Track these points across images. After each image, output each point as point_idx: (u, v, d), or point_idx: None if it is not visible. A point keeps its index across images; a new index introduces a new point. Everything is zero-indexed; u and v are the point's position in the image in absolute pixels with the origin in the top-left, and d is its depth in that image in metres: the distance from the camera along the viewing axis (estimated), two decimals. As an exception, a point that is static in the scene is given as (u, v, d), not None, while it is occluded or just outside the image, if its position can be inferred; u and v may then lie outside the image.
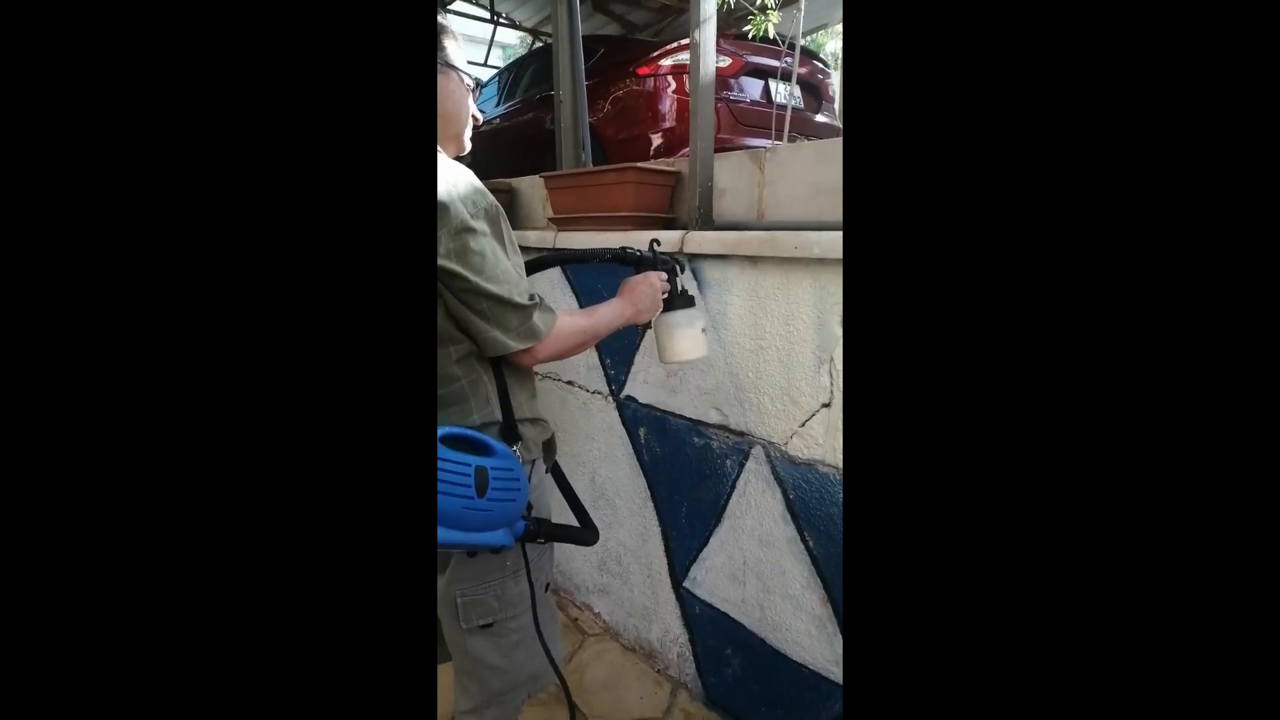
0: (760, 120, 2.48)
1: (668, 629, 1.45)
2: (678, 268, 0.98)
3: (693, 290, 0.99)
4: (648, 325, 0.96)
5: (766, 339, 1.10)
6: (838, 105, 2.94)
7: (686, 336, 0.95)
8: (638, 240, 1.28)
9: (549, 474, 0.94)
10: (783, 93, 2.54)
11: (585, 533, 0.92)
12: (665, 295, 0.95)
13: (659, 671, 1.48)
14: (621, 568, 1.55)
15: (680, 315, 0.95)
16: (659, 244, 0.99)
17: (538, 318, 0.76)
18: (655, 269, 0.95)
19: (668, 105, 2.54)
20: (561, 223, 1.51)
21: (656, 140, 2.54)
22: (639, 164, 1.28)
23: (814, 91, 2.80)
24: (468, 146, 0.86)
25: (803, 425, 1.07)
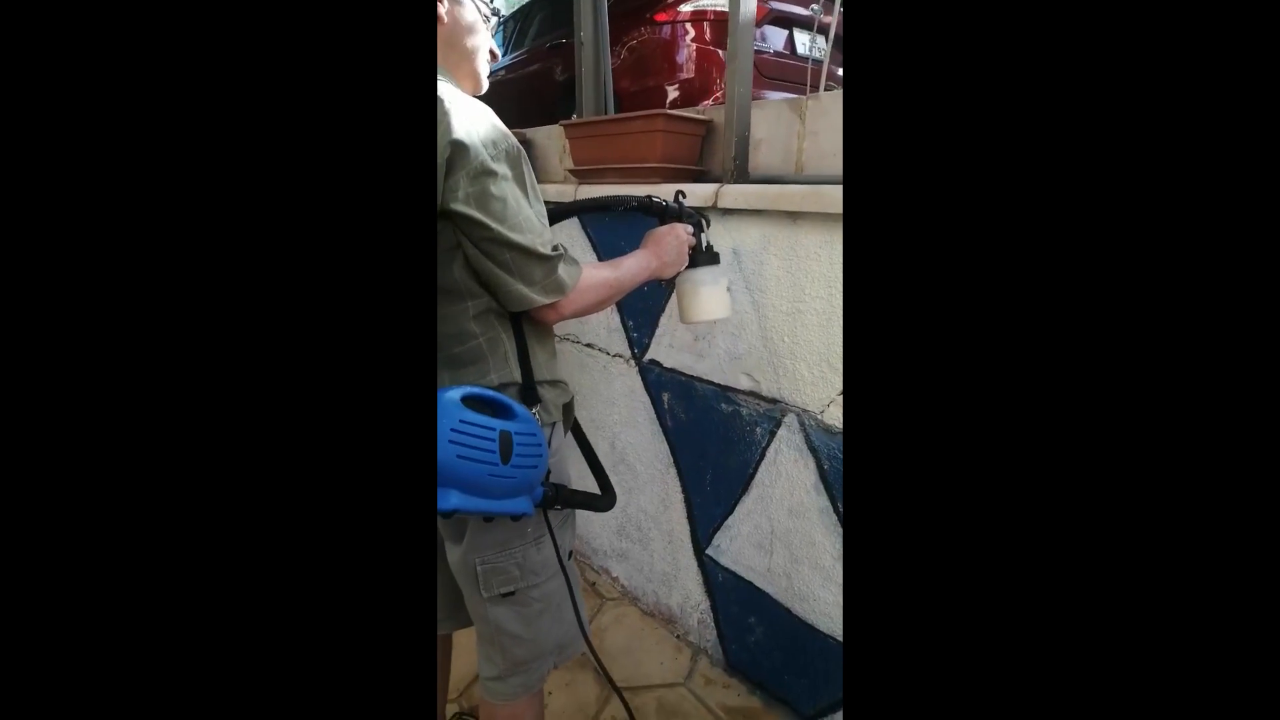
0: (782, 73, 2.35)
1: (689, 595, 1.43)
2: (704, 222, 0.92)
3: (718, 246, 0.93)
4: (672, 282, 0.91)
5: (806, 301, 1.04)
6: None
7: (711, 295, 0.90)
8: (665, 193, 1.21)
9: (568, 436, 0.90)
10: (810, 44, 2.40)
11: (601, 499, 0.90)
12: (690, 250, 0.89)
13: (679, 637, 1.47)
14: (641, 533, 1.53)
15: (705, 272, 0.90)
16: (684, 195, 0.92)
17: (563, 270, 0.71)
18: (681, 220, 0.89)
19: (686, 55, 2.41)
20: (583, 175, 1.43)
21: (673, 93, 2.42)
22: (669, 111, 1.19)
23: (839, 43, 2.66)
24: (485, 84, 0.79)
25: (841, 394, 1.02)
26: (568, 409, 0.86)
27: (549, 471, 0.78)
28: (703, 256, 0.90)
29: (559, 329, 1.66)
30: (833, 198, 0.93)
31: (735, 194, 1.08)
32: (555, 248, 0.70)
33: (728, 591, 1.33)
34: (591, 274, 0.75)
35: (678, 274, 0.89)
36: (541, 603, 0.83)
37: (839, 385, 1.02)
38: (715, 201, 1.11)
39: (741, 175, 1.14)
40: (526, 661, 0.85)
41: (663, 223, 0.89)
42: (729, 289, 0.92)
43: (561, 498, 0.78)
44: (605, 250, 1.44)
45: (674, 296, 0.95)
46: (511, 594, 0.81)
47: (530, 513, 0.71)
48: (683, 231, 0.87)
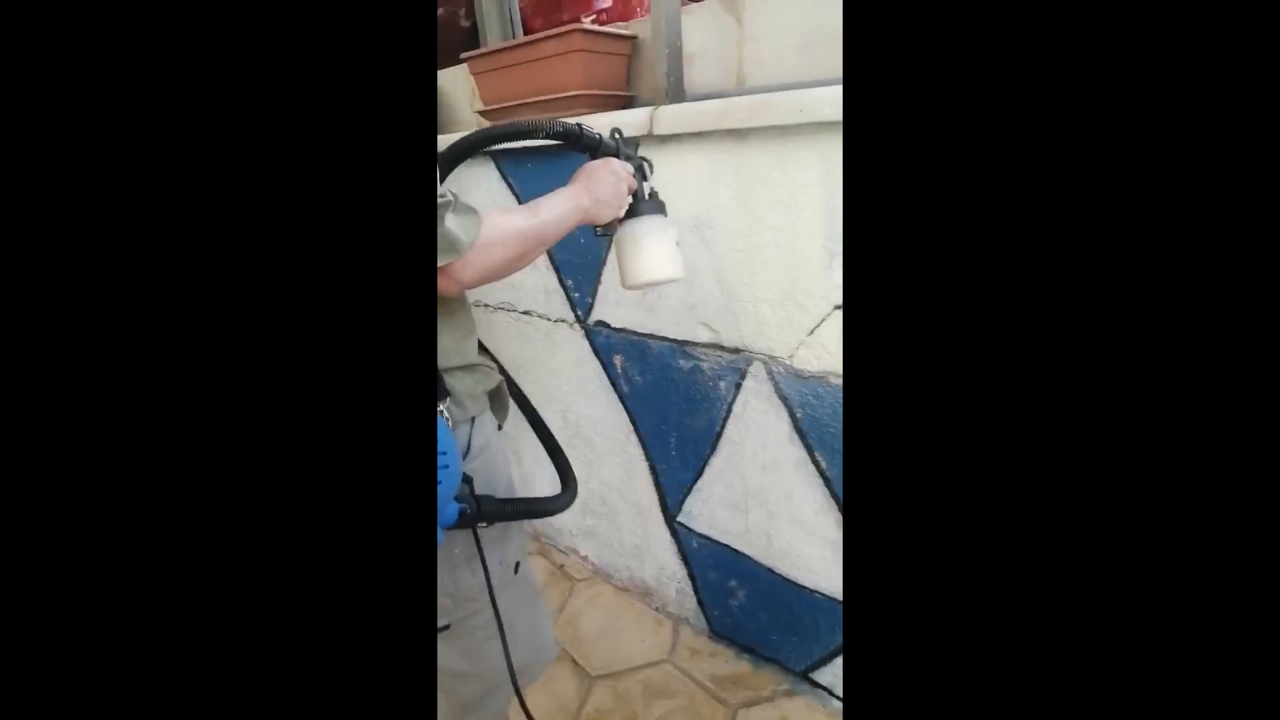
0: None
1: (663, 566, 1.34)
2: (646, 166, 0.76)
3: (659, 185, 0.77)
4: (608, 230, 0.74)
5: (762, 234, 0.92)
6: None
7: (658, 249, 0.73)
8: (594, 126, 1.05)
9: (503, 430, 0.75)
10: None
11: (555, 499, 0.73)
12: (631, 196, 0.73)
13: (657, 610, 1.39)
14: (607, 508, 1.42)
15: (649, 222, 0.73)
16: (621, 132, 0.76)
17: (453, 222, 0.53)
18: (618, 157, 0.73)
19: (601, -19, 2.18)
20: (495, 115, 1.24)
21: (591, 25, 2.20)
22: (586, 26, 1.02)
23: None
24: None
25: (811, 334, 0.92)
26: (496, 396, 0.70)
27: (469, 481, 0.62)
28: (646, 205, 0.73)
29: (486, 296, 1.49)
30: (783, 107, 0.80)
31: (672, 116, 0.93)
32: (442, 194, 0.53)
33: (704, 557, 1.25)
34: (498, 223, 0.57)
35: (616, 224, 0.73)
36: (485, 630, 0.68)
37: (808, 325, 0.92)
38: (650, 128, 0.96)
39: (677, 94, 0.99)
40: (479, 698, 0.72)
41: (594, 158, 0.73)
42: (678, 244, 0.75)
43: (487, 513, 0.62)
44: (528, 196, 1.27)
45: (614, 253, 0.79)
46: (446, 628, 0.67)
47: (437, 540, 0.57)
48: (620, 168, 0.71)
